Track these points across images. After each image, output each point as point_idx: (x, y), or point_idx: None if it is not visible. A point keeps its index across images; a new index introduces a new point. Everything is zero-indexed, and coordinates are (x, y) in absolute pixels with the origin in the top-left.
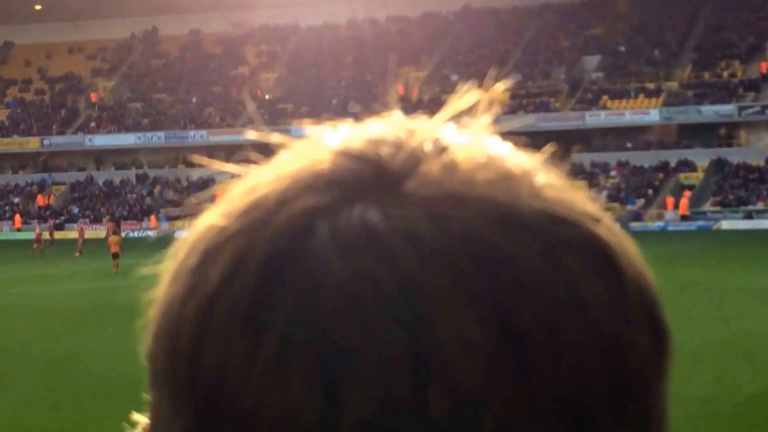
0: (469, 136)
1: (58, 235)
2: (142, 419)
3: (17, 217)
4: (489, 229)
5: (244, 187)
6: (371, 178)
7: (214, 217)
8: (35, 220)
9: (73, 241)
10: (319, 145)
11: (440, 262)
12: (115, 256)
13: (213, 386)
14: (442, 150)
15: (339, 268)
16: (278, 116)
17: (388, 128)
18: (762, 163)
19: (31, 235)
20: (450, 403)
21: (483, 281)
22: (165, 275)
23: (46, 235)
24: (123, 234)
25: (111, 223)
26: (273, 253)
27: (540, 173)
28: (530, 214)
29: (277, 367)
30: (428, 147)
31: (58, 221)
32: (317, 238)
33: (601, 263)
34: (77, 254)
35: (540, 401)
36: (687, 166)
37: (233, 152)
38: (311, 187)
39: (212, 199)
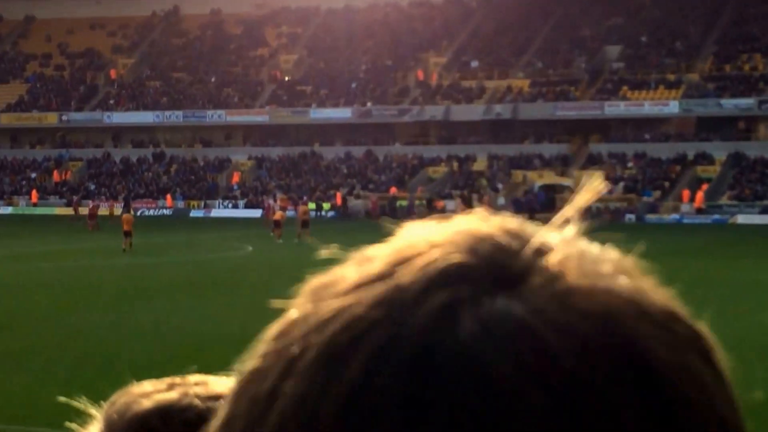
0: (568, 236)
1: (64, 211)
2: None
3: (34, 192)
4: (627, 324)
5: (361, 274)
6: (499, 275)
7: (327, 307)
8: (52, 196)
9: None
10: (441, 236)
11: (597, 358)
12: (127, 234)
13: None
14: (549, 251)
15: (495, 362)
16: (297, 98)
17: (496, 229)
18: None
19: (49, 211)
20: None
21: (633, 377)
22: (262, 357)
23: (71, 211)
24: (138, 212)
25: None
26: (421, 347)
27: (637, 269)
28: (656, 310)
29: None
30: (540, 245)
31: (76, 198)
32: (466, 331)
33: (707, 357)
34: (90, 229)
35: None
36: (705, 159)
37: (251, 133)
38: (450, 278)
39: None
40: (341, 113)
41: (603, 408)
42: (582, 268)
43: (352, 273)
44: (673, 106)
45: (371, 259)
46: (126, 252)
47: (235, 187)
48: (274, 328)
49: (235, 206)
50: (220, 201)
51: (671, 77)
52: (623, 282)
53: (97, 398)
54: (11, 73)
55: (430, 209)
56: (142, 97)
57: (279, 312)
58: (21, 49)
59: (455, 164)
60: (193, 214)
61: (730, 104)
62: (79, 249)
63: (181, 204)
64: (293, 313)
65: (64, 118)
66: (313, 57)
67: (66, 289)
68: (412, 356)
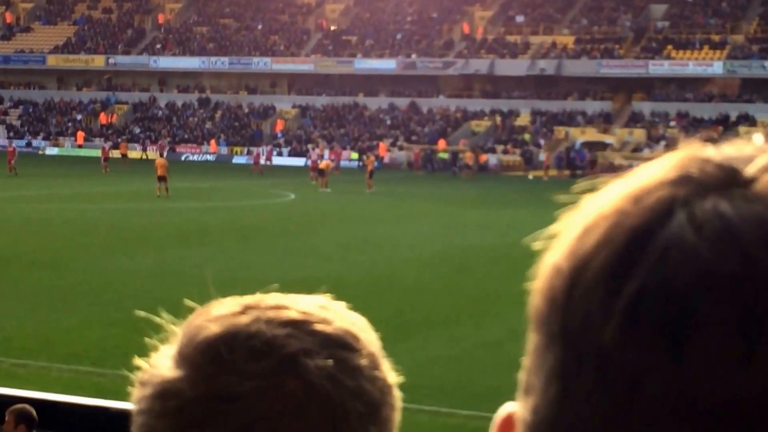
0: None
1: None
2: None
3: (80, 133)
4: None
5: (621, 182)
6: (724, 179)
7: (594, 202)
8: (97, 138)
9: (136, 160)
10: (689, 155)
11: None
12: (161, 179)
13: (579, 327)
14: None
15: (692, 242)
16: (342, 48)
17: (741, 146)
18: None
19: (94, 153)
20: (764, 371)
21: None
22: (554, 245)
23: (116, 154)
24: (182, 157)
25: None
26: (638, 228)
27: None
28: None
29: (630, 315)
30: None
31: (121, 140)
32: (676, 220)
33: None
34: (104, 171)
35: None
36: (747, 120)
37: (296, 81)
38: (673, 182)
39: (595, 187)
40: (386, 64)
41: None
42: None
43: (618, 181)
44: (717, 67)
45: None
46: (161, 197)
47: (280, 134)
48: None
49: (279, 154)
50: (264, 148)
51: (716, 38)
52: None
53: (140, 339)
54: (59, 15)
55: (475, 162)
56: (188, 43)
57: (316, 260)
58: None
59: (498, 118)
60: (236, 160)
61: None
62: (124, 191)
63: (224, 150)
64: (581, 207)
65: (111, 61)
66: (359, 7)
67: (111, 231)
68: (627, 237)
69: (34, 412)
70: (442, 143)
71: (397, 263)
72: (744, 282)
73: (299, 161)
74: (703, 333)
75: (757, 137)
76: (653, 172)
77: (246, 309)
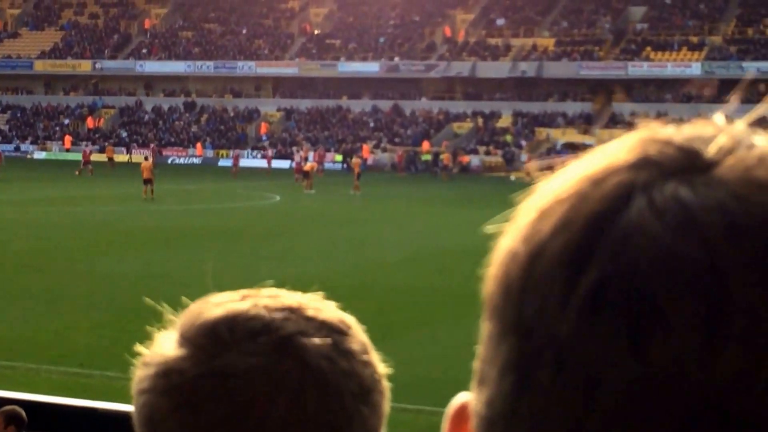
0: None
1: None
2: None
3: (67, 137)
4: None
5: (578, 164)
6: (685, 163)
7: (550, 186)
8: (84, 142)
9: (123, 163)
10: (647, 136)
11: (740, 236)
12: (146, 182)
13: (535, 318)
14: (749, 147)
15: (652, 230)
16: (326, 51)
17: (705, 127)
18: None
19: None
20: (731, 363)
21: None
22: (510, 229)
23: (103, 157)
24: (168, 160)
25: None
26: (596, 214)
27: None
28: None
29: (589, 307)
30: (737, 143)
31: (109, 144)
32: (635, 206)
33: None
34: (77, 173)
35: None
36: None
37: (280, 85)
38: (632, 165)
39: (550, 167)
40: (369, 67)
41: (734, 285)
42: (766, 165)
43: (575, 163)
44: (695, 68)
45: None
46: (147, 200)
47: (264, 137)
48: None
49: (264, 156)
50: (249, 151)
51: (694, 39)
52: None
53: (128, 342)
54: (46, 21)
55: (455, 163)
56: (174, 47)
57: (301, 261)
58: None
59: (480, 120)
60: (222, 163)
61: (751, 67)
62: (110, 194)
63: (210, 153)
64: (536, 190)
65: (98, 65)
66: (342, 11)
67: (98, 233)
68: (585, 223)
69: (23, 414)
70: (425, 145)
71: (381, 264)
72: (707, 272)
73: (284, 163)
74: (666, 326)
75: (718, 117)
76: (612, 153)
77: (245, 297)
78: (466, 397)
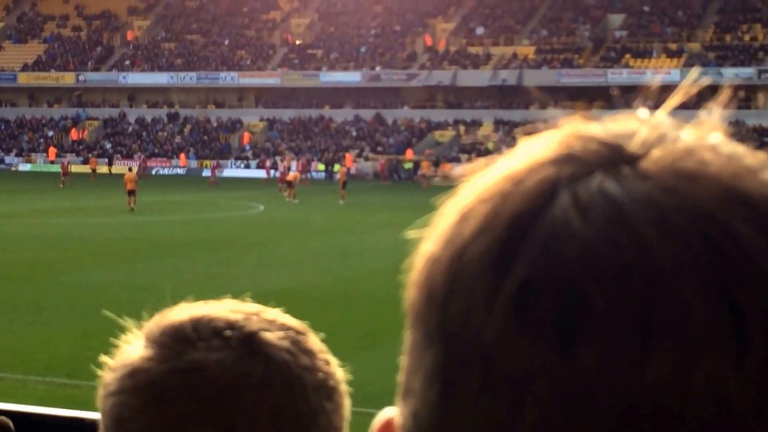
0: (701, 129)
1: (81, 168)
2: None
3: (51, 149)
4: (718, 206)
5: (500, 163)
6: (609, 156)
7: (471, 186)
8: (69, 153)
9: (104, 174)
10: (570, 132)
11: (672, 231)
12: (130, 193)
13: (459, 323)
14: (675, 139)
15: (578, 228)
16: (308, 61)
17: (630, 122)
18: None
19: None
20: (664, 364)
21: (709, 253)
22: (430, 233)
23: (87, 169)
24: (153, 171)
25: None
26: (519, 213)
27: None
28: (758, 197)
29: (515, 310)
30: (662, 135)
31: (92, 156)
32: (559, 203)
33: None
34: (62, 186)
35: (750, 373)
36: None
37: (263, 95)
38: (555, 161)
39: (468, 173)
40: (351, 77)
41: (666, 280)
42: (699, 157)
43: (497, 162)
44: (674, 75)
45: (506, 157)
46: (130, 211)
47: (247, 147)
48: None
49: (247, 166)
50: (233, 161)
51: (673, 46)
52: (738, 172)
53: (115, 352)
54: (30, 34)
55: (437, 172)
56: (157, 59)
57: (286, 271)
58: (39, 10)
59: (462, 128)
60: (206, 173)
61: (730, 73)
62: (95, 206)
63: (194, 164)
64: (456, 192)
65: (81, 78)
66: (323, 21)
67: (83, 245)
68: (507, 222)
69: (11, 424)
70: (409, 153)
71: (365, 272)
72: (637, 270)
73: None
74: (596, 328)
75: (642, 111)
76: (534, 151)
77: (207, 304)
78: (392, 412)
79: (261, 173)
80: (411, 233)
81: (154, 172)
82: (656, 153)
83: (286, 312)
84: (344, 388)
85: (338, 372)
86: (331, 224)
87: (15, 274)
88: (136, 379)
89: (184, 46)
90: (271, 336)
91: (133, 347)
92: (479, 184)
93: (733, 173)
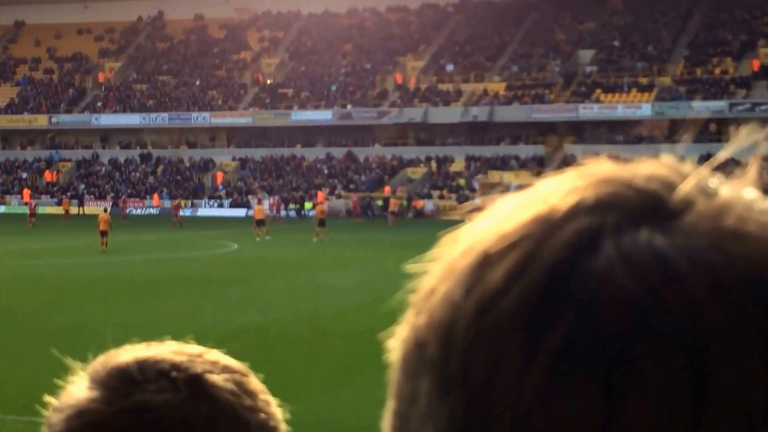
0: (736, 184)
1: (54, 210)
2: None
3: (26, 191)
4: (766, 269)
5: (518, 202)
6: (651, 208)
7: (490, 224)
8: (43, 195)
9: (82, 216)
10: (595, 174)
11: (725, 293)
12: (103, 233)
13: (487, 379)
14: (714, 193)
15: (626, 283)
16: (279, 101)
17: (659, 167)
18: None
19: (42, 210)
20: (722, 430)
21: (762, 318)
22: (436, 271)
23: (60, 210)
24: (127, 210)
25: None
26: (559, 262)
27: None
28: None
29: (556, 371)
30: (701, 188)
31: (66, 197)
32: (604, 254)
33: None
34: (30, 226)
35: None
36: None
37: (235, 134)
38: (595, 208)
39: (478, 209)
40: (322, 115)
41: (721, 345)
42: (740, 214)
43: (516, 200)
44: (645, 109)
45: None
46: (103, 251)
47: (220, 187)
48: (447, 238)
49: (221, 205)
50: (206, 200)
51: (644, 81)
52: None
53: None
54: (2, 77)
55: (410, 208)
56: (128, 100)
57: (261, 308)
58: (11, 54)
59: (434, 165)
60: (180, 213)
61: (701, 107)
62: (69, 246)
63: (167, 203)
64: (467, 227)
65: (54, 120)
66: (294, 61)
67: (58, 285)
68: (545, 273)
69: None
70: (387, 190)
71: (340, 308)
72: (689, 332)
73: (241, 212)
74: (645, 394)
75: (667, 156)
76: (562, 191)
77: (150, 345)
78: None
79: (234, 212)
80: (408, 267)
81: (127, 211)
82: (699, 207)
83: (265, 348)
84: (283, 427)
85: (278, 412)
86: (305, 262)
87: None
88: (82, 421)
89: (156, 87)
90: (216, 378)
91: (77, 388)
92: (500, 222)
93: None
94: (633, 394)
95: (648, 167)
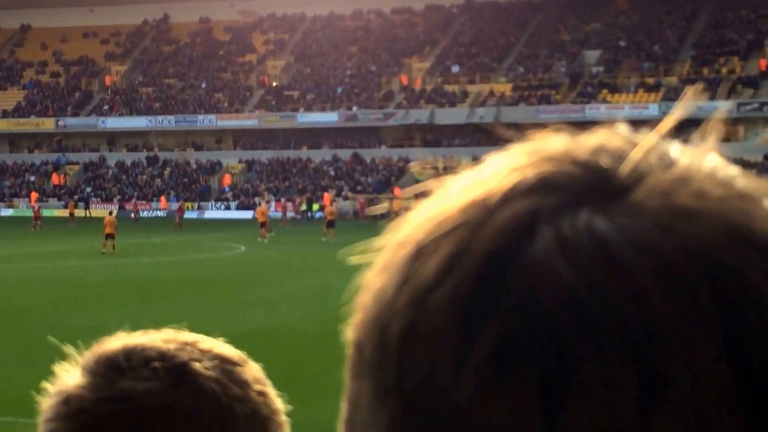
0: (696, 152)
1: (61, 213)
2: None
3: (33, 194)
4: (723, 249)
5: (461, 184)
6: (596, 185)
7: (429, 210)
8: (50, 198)
9: (88, 219)
10: (541, 150)
11: (674, 281)
12: (108, 236)
13: (422, 379)
14: (669, 164)
15: (565, 275)
16: (284, 103)
17: (611, 139)
18: (760, 158)
19: (49, 213)
20: (672, 430)
21: (716, 303)
22: (375, 264)
23: (65, 213)
24: (132, 214)
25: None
26: (494, 251)
27: None
28: (765, 236)
29: (491, 368)
30: (655, 160)
31: (72, 200)
32: (541, 241)
33: None
34: (33, 229)
35: None
36: None
37: (240, 137)
38: (534, 189)
39: (423, 195)
40: (328, 117)
41: (668, 336)
42: (697, 188)
43: (460, 181)
44: (652, 109)
45: (474, 174)
46: (106, 254)
47: (227, 189)
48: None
49: (228, 208)
50: (213, 203)
51: (650, 81)
52: (742, 206)
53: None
54: (9, 81)
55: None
56: (135, 103)
57: (267, 311)
58: (18, 57)
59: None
60: (187, 215)
61: (709, 106)
62: (77, 249)
63: (174, 205)
64: (409, 215)
65: (61, 123)
66: (299, 63)
67: (66, 288)
68: (478, 264)
69: None
70: (397, 191)
71: (346, 312)
72: (635, 326)
73: (248, 214)
74: (586, 395)
75: (621, 126)
76: (503, 172)
77: (145, 333)
78: None
79: (241, 214)
80: (353, 258)
81: (133, 215)
82: (649, 183)
83: (274, 350)
84: (282, 418)
85: (275, 402)
86: (312, 264)
87: (1, 318)
88: (69, 407)
89: (162, 90)
90: (200, 366)
91: (69, 376)
92: (438, 208)
93: (737, 208)
94: (573, 395)
95: (599, 138)
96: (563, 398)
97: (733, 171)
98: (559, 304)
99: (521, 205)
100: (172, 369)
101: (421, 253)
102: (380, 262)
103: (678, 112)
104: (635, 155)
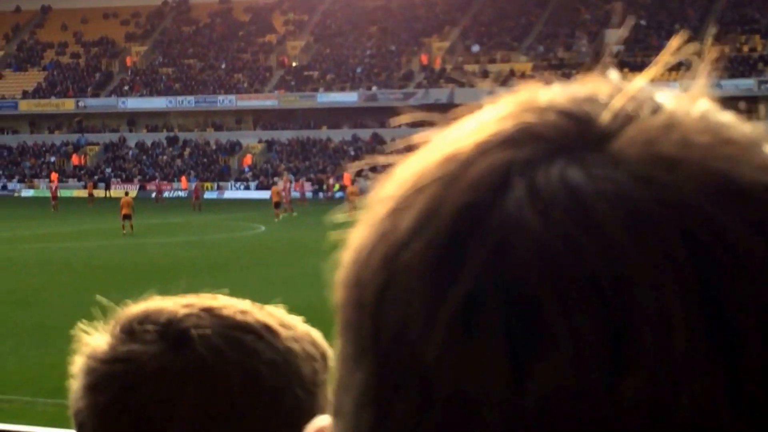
0: (686, 97)
1: (80, 193)
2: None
3: (53, 175)
4: (702, 199)
5: (445, 137)
6: (575, 134)
7: (411, 165)
8: (70, 179)
9: (108, 199)
10: (526, 100)
11: (646, 230)
12: (126, 217)
13: (394, 338)
14: (655, 110)
15: (535, 227)
16: (304, 83)
17: (598, 87)
18: None
19: (68, 193)
20: (643, 382)
21: (688, 251)
22: (360, 223)
23: (84, 194)
24: (152, 195)
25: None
26: (465, 205)
27: (766, 144)
28: (751, 186)
29: (461, 323)
30: (639, 106)
31: (92, 181)
32: (513, 194)
33: None
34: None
35: (743, 385)
36: None
37: (260, 117)
38: (511, 140)
39: (409, 149)
40: (348, 97)
41: (639, 288)
42: (682, 136)
43: (444, 135)
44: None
45: (454, 129)
46: (126, 235)
47: (247, 169)
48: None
49: (247, 188)
50: (233, 183)
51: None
52: (728, 154)
53: None
54: (29, 62)
55: None
56: (155, 83)
57: (289, 291)
58: (38, 39)
59: None
60: (207, 195)
61: (730, 85)
62: (97, 229)
63: (194, 186)
64: (393, 169)
65: (81, 104)
66: (319, 43)
67: (85, 269)
68: (451, 218)
69: None
70: None
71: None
72: (605, 278)
73: (267, 194)
74: (555, 347)
75: (612, 73)
76: (484, 124)
77: (180, 298)
78: (325, 422)
79: (261, 194)
80: (338, 217)
81: (153, 195)
82: (631, 130)
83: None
84: (314, 393)
85: (308, 375)
86: (333, 243)
87: (19, 299)
88: (85, 366)
89: (182, 71)
90: (201, 332)
91: (98, 336)
92: (417, 165)
93: (721, 156)
94: (542, 350)
95: (584, 85)
96: (532, 353)
97: (723, 117)
98: (528, 257)
99: (496, 158)
100: (172, 334)
101: (398, 207)
102: (363, 218)
103: (667, 57)
104: (617, 102)
